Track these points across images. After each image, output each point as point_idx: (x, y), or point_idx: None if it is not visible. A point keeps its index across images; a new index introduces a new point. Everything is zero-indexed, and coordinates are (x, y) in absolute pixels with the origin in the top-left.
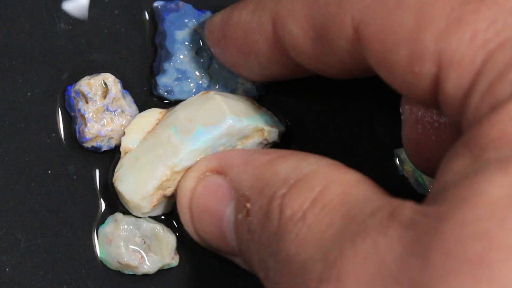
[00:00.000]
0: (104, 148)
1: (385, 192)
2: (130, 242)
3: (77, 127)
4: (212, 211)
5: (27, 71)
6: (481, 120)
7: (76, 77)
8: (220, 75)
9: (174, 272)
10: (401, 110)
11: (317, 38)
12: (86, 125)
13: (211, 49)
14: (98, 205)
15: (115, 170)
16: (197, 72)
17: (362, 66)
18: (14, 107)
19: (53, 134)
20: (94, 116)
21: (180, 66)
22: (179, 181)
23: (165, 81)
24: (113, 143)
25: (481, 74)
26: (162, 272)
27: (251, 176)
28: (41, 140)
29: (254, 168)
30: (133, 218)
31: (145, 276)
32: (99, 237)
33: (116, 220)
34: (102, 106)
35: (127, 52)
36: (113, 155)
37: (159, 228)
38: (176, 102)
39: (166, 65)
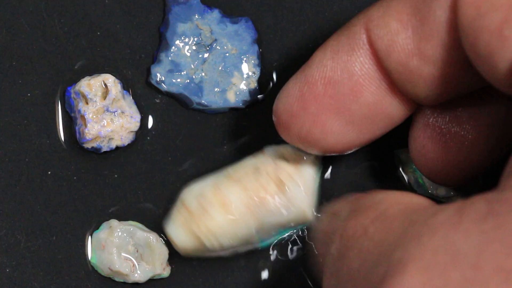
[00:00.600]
0: (104, 149)
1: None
2: (123, 250)
3: (77, 128)
4: None
5: (27, 72)
6: None
7: (76, 78)
8: (214, 73)
9: (165, 283)
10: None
11: (417, 22)
12: (86, 126)
13: (283, 133)
14: (98, 207)
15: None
16: (192, 66)
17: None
18: (14, 107)
19: (53, 135)
20: (94, 117)
21: (175, 58)
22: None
23: (158, 71)
24: (113, 144)
25: None
26: (152, 282)
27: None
28: (41, 140)
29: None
30: (128, 226)
31: (135, 285)
32: (92, 242)
33: (110, 226)
34: (102, 107)
35: (127, 52)
36: (113, 155)
37: (152, 237)
38: (167, 93)
39: (162, 55)
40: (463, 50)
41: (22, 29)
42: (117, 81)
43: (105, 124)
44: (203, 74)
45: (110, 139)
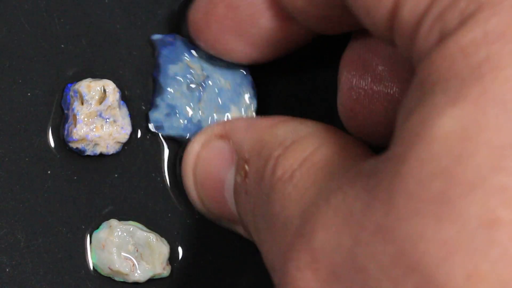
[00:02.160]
0: (88, 153)
1: (375, 154)
2: (123, 249)
3: (66, 125)
4: (214, 176)
5: (27, 71)
6: (430, 52)
7: (76, 79)
8: (211, 110)
9: (165, 283)
10: (338, 78)
11: None
12: (75, 126)
13: (195, 40)
14: (98, 206)
15: None
16: (187, 107)
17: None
18: (14, 107)
19: (53, 134)
20: (86, 119)
21: (171, 101)
22: (186, 147)
23: (156, 116)
24: (98, 150)
25: (434, 2)
26: (152, 282)
27: (252, 139)
28: (41, 140)
29: (255, 131)
30: (127, 226)
31: (136, 284)
32: (92, 242)
33: (110, 226)
34: (95, 111)
35: (127, 53)
36: (114, 155)
37: (152, 237)
38: (168, 137)
39: (158, 100)
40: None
41: (22, 29)
42: (117, 89)
43: (94, 129)
44: (200, 113)
45: (96, 144)
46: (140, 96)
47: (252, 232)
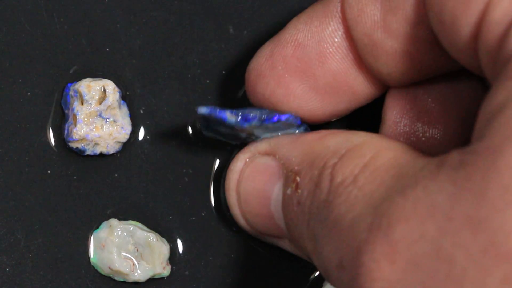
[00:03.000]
0: (88, 152)
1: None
2: (123, 249)
3: (66, 125)
4: (259, 192)
5: (27, 71)
6: None
7: (76, 78)
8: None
9: (165, 283)
10: (383, 110)
11: None
12: (75, 126)
13: (253, 91)
14: (98, 206)
15: None
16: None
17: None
18: (14, 107)
19: (53, 134)
20: (86, 119)
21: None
22: (229, 164)
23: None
24: (97, 150)
25: None
26: (152, 281)
27: (301, 152)
28: (41, 140)
29: (303, 144)
30: (127, 225)
31: (136, 284)
32: (92, 242)
33: (110, 226)
34: (95, 111)
35: (127, 53)
36: (114, 155)
37: (152, 237)
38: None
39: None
40: (429, 28)
41: (22, 29)
42: (117, 89)
43: (94, 128)
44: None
45: (96, 144)
46: (140, 96)
47: (305, 242)
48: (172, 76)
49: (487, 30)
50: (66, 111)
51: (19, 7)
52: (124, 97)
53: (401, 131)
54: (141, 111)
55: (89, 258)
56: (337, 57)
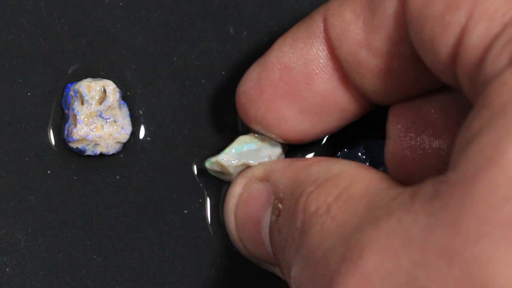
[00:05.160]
0: (88, 153)
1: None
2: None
3: (67, 125)
4: (253, 216)
5: (27, 71)
6: (500, 74)
7: (77, 78)
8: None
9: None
10: (387, 126)
11: (368, 13)
12: (75, 126)
13: (244, 115)
14: (98, 206)
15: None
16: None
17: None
18: (14, 107)
19: (53, 134)
20: (86, 119)
21: None
22: (228, 188)
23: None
24: (98, 150)
25: (508, 26)
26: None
27: (288, 179)
28: (41, 140)
29: (291, 172)
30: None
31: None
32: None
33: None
34: (95, 111)
35: (127, 53)
36: (115, 155)
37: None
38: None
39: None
40: (411, 45)
41: (22, 29)
42: (117, 89)
43: (94, 129)
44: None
45: (96, 144)
46: (141, 97)
47: (284, 270)
48: (172, 76)
49: (464, 54)
50: (66, 111)
51: (19, 7)
52: (124, 97)
53: (407, 145)
54: (141, 112)
55: (90, 257)
56: (323, 77)
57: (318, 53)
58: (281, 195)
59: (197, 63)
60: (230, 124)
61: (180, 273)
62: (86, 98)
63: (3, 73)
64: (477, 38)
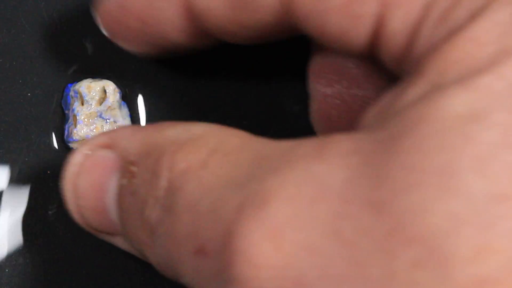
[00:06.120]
0: None
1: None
2: None
3: (67, 125)
4: (96, 185)
5: (27, 71)
6: (436, 47)
7: (76, 79)
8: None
9: None
10: (309, 86)
11: None
12: (75, 126)
13: (104, 30)
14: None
15: None
16: None
17: (286, 25)
18: (14, 107)
19: (53, 135)
20: (86, 119)
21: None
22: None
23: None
24: None
25: (431, 7)
26: None
27: (139, 142)
28: (41, 140)
29: (142, 135)
30: None
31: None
32: None
33: None
34: (95, 112)
35: (127, 53)
36: None
37: None
38: None
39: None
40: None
41: (22, 29)
42: (117, 90)
43: (94, 129)
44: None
45: None
46: (140, 97)
47: (139, 234)
48: (172, 76)
49: (387, 42)
50: (66, 112)
51: (19, 7)
52: (124, 98)
53: (331, 103)
54: (141, 112)
55: (90, 257)
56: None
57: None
58: (133, 158)
59: (198, 63)
60: (230, 124)
61: None
62: (86, 98)
63: (3, 73)
64: (399, 24)
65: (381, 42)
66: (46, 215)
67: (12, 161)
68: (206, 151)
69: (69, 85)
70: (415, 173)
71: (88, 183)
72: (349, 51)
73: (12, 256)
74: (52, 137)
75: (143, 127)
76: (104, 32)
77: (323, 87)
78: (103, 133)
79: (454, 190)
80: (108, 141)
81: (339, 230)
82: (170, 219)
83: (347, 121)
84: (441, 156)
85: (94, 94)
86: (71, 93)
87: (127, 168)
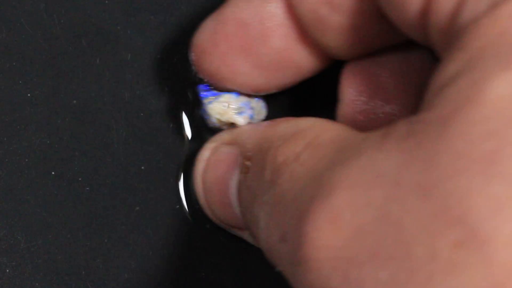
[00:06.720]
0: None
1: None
2: None
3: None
4: (220, 180)
5: (27, 71)
6: (477, 20)
7: (77, 79)
8: None
9: None
10: (339, 88)
11: None
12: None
13: (198, 67)
14: (98, 206)
15: None
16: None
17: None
18: (14, 107)
19: (53, 135)
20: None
21: None
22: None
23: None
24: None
25: None
26: None
27: (254, 138)
28: (41, 141)
29: (258, 131)
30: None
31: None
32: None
33: None
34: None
35: (127, 53)
36: (116, 155)
37: None
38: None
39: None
40: (374, 1)
41: (22, 29)
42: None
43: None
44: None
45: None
46: (140, 97)
47: (252, 226)
48: (172, 76)
49: (437, 7)
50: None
51: (19, 7)
52: (124, 98)
53: (359, 109)
54: (143, 109)
55: (90, 258)
56: (280, 34)
57: (275, 9)
58: (249, 153)
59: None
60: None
61: (180, 273)
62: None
63: (3, 73)
64: None
65: (431, 8)
66: (46, 216)
67: (12, 161)
68: (303, 145)
69: (201, 86)
70: (463, 159)
71: (213, 179)
72: (403, 20)
73: (12, 257)
74: (52, 137)
75: (261, 122)
76: (197, 61)
77: (354, 93)
78: (228, 131)
79: (498, 176)
80: (231, 137)
81: (388, 212)
82: (267, 210)
83: (371, 128)
84: (487, 144)
85: (223, 123)
86: (203, 112)
87: (244, 163)
